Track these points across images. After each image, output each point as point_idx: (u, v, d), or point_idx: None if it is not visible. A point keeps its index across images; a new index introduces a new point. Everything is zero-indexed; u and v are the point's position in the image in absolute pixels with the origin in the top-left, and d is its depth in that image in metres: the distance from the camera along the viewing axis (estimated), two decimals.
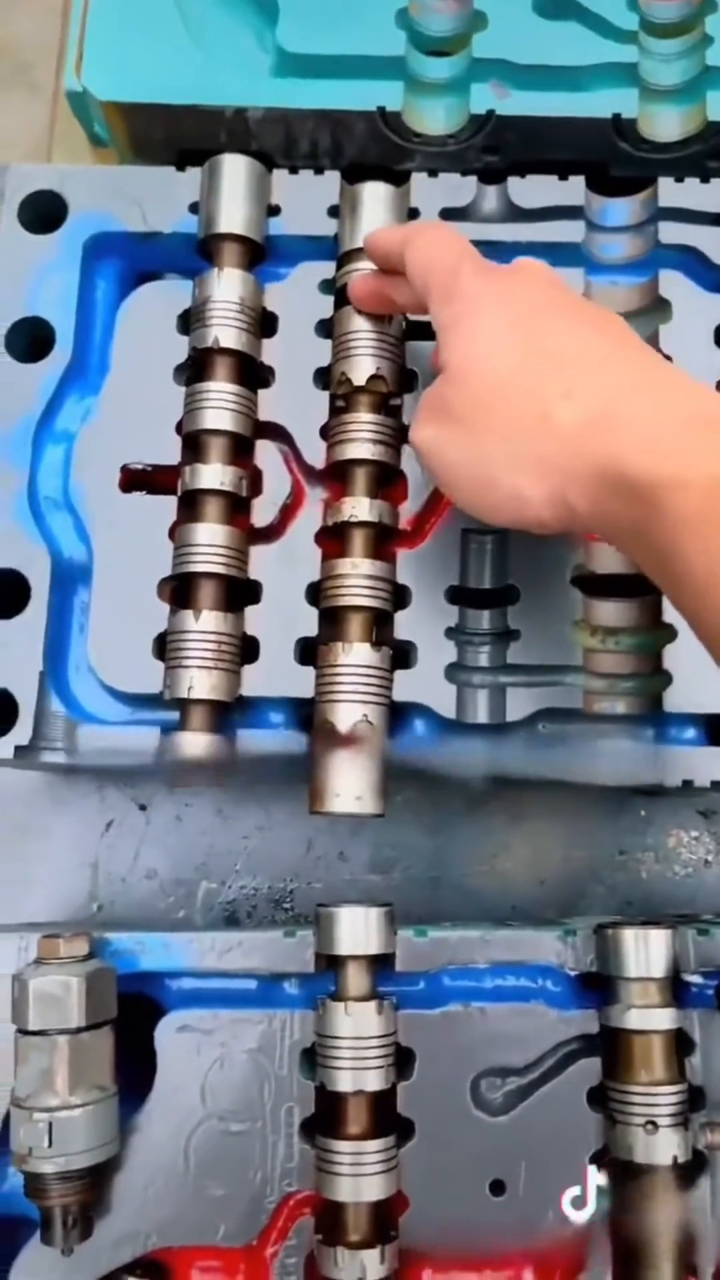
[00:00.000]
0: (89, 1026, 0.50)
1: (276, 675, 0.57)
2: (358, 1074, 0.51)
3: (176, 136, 0.66)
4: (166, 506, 0.59)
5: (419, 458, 0.50)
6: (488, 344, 0.47)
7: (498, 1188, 0.52)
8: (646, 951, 0.52)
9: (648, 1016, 0.51)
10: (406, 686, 0.57)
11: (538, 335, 0.46)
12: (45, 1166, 0.48)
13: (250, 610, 0.58)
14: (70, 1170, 0.49)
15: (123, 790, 0.69)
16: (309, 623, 0.57)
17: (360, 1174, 0.50)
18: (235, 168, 0.61)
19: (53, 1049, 0.49)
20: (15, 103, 1.79)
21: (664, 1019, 0.51)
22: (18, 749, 0.56)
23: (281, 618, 0.57)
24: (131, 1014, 0.53)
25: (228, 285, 0.59)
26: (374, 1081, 0.51)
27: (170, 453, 0.59)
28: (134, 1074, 0.53)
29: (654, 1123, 0.50)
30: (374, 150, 0.66)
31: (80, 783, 0.69)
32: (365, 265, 0.58)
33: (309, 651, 0.57)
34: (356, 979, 0.52)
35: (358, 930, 0.52)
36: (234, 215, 0.60)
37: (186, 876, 0.68)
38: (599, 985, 0.53)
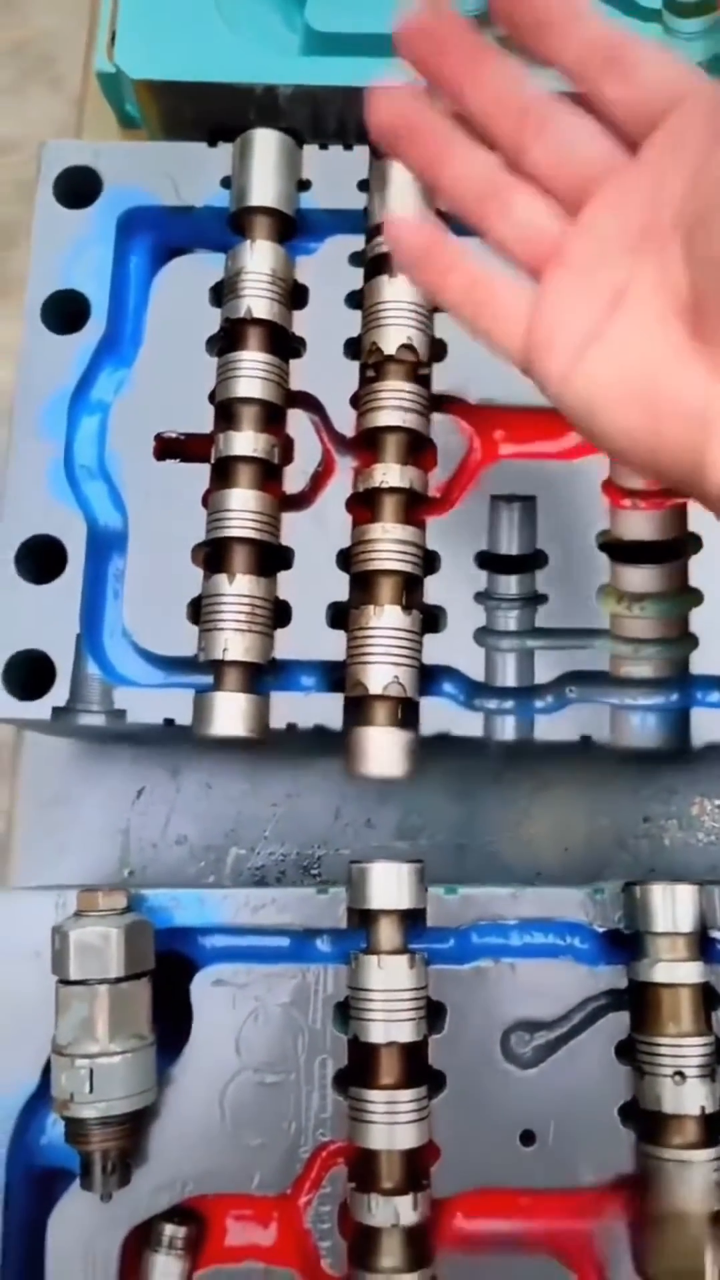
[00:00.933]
0: (128, 977, 0.51)
1: (308, 639, 0.58)
2: (390, 1025, 0.52)
3: (207, 115, 0.67)
4: (200, 474, 0.60)
5: None
6: None
7: (528, 1138, 0.53)
8: (674, 907, 0.53)
9: (676, 970, 0.52)
10: (436, 650, 0.57)
11: None
12: (86, 1111, 0.49)
13: (282, 575, 0.59)
14: (110, 1115, 0.50)
15: (154, 758, 0.70)
16: (340, 588, 0.58)
17: (393, 1122, 0.51)
18: (267, 142, 0.62)
19: (93, 998, 0.50)
20: (37, 96, 1.80)
21: (692, 972, 0.52)
22: (55, 710, 0.57)
23: (313, 582, 0.58)
24: (166, 973, 0.54)
25: (260, 257, 0.60)
26: (406, 1033, 0.52)
27: (203, 422, 0.60)
28: (169, 1031, 0.54)
29: (682, 1073, 0.51)
30: None
31: (111, 751, 0.70)
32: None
33: (340, 616, 0.58)
34: (388, 933, 0.53)
35: (390, 885, 0.53)
36: (266, 189, 0.61)
37: (216, 843, 0.69)
38: (626, 942, 0.54)
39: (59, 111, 1.66)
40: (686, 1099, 0.51)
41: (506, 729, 0.58)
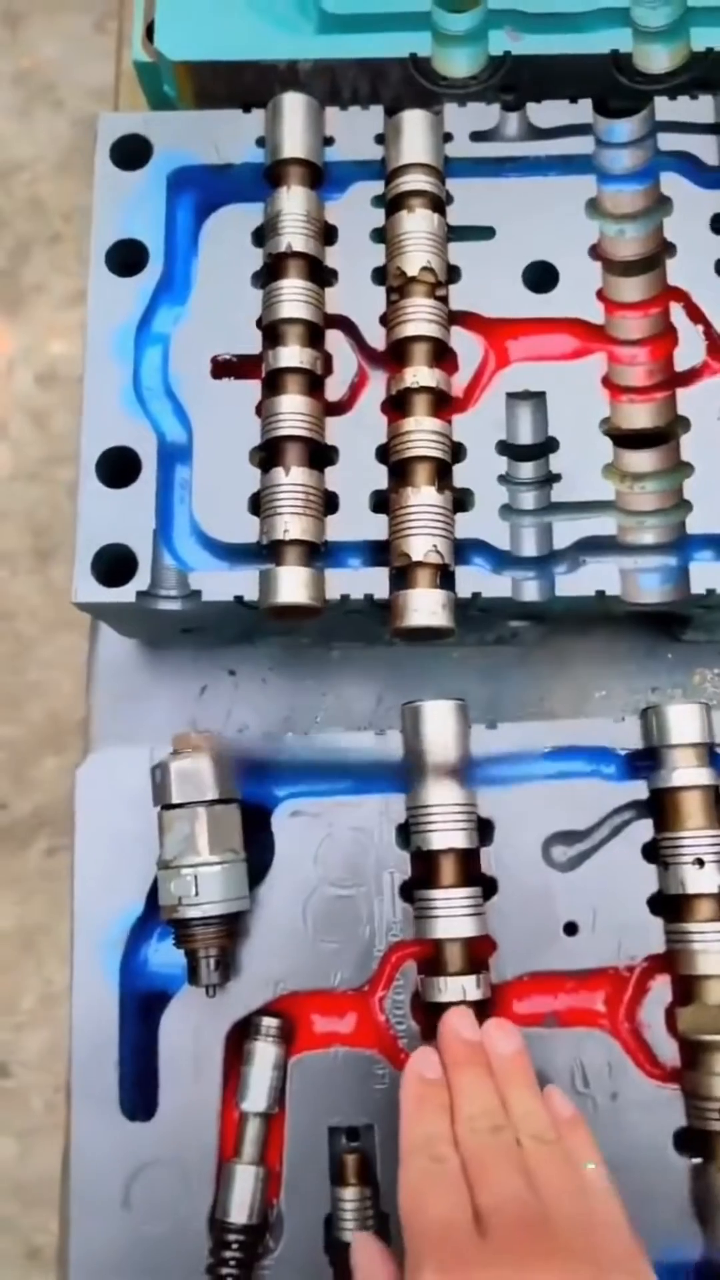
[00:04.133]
0: (221, 800, 0.59)
1: (354, 523, 0.67)
2: (446, 834, 0.60)
3: (237, 89, 0.76)
4: (252, 390, 0.69)
5: None
6: None
7: (571, 929, 0.61)
8: (685, 722, 0.61)
9: (691, 774, 0.61)
10: (466, 526, 0.66)
11: None
12: (192, 912, 0.58)
13: (329, 470, 0.67)
14: (212, 916, 0.58)
15: (213, 659, 0.78)
16: (380, 478, 0.67)
17: (453, 915, 0.59)
18: (295, 104, 0.72)
19: (193, 817, 0.59)
20: (42, 119, 1.91)
21: (704, 776, 0.61)
22: (139, 594, 0.66)
23: (356, 475, 0.67)
24: (249, 820, 0.62)
25: (295, 200, 0.70)
26: (461, 840, 0.60)
27: (252, 345, 0.69)
28: (255, 869, 0.62)
29: (701, 860, 0.59)
30: (407, 94, 0.77)
31: (175, 655, 0.78)
32: (410, 180, 0.69)
33: (381, 503, 0.67)
34: (440, 757, 0.62)
35: (439, 717, 0.62)
36: (296, 143, 0.71)
37: (274, 729, 0.77)
38: (645, 759, 0.63)
39: (63, 132, 1.76)
40: (705, 880, 0.59)
41: (530, 591, 0.66)
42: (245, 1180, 0.58)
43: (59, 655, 1.65)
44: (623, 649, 0.78)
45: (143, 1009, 0.62)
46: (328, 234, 0.71)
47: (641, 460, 0.69)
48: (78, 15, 1.82)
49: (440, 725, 0.62)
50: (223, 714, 0.78)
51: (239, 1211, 0.57)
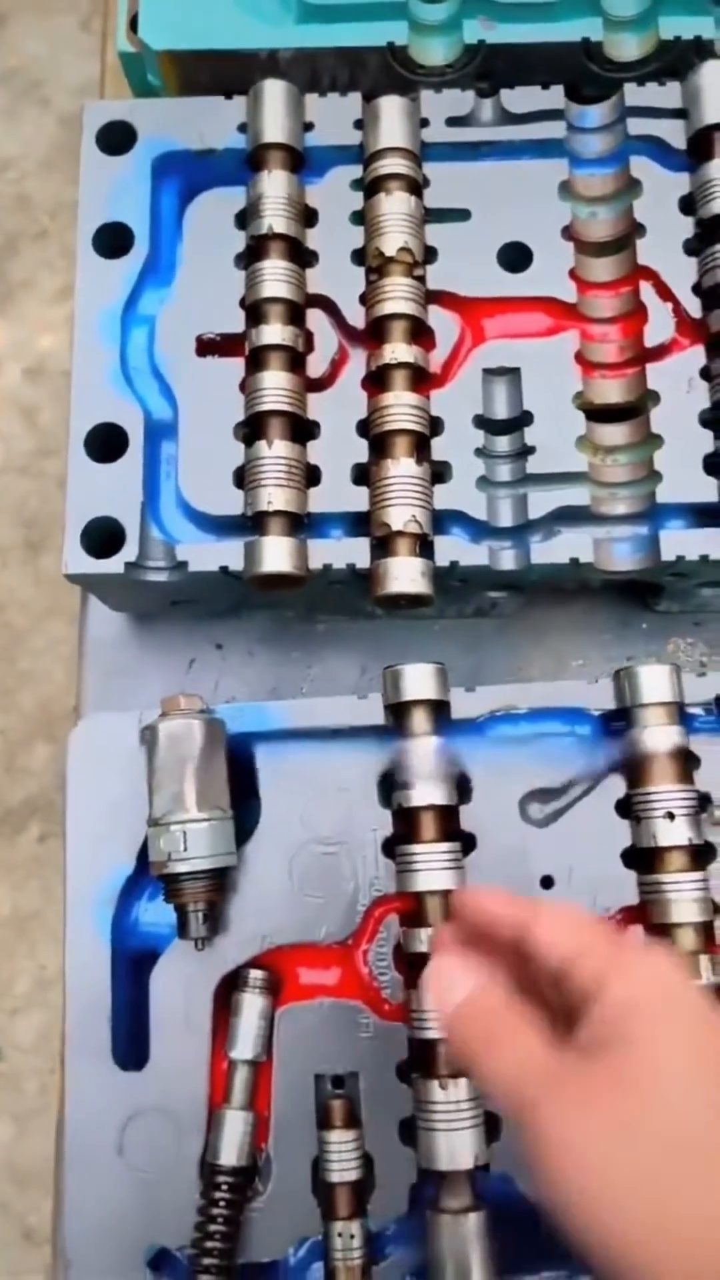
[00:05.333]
0: (208, 760, 0.61)
1: (335, 494, 0.69)
2: (425, 790, 0.62)
3: (219, 78, 0.79)
4: (236, 367, 0.71)
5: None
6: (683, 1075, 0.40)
7: (547, 883, 0.63)
8: (656, 683, 0.64)
9: (661, 732, 0.63)
10: (445, 497, 0.68)
11: None
12: (180, 867, 0.60)
13: (311, 444, 0.70)
14: (200, 870, 0.60)
15: (201, 633, 0.80)
16: (360, 452, 0.69)
17: (433, 869, 0.61)
18: (275, 90, 0.74)
19: (182, 776, 0.61)
20: (29, 116, 1.93)
21: (674, 734, 0.63)
22: (127, 565, 0.68)
23: (337, 448, 0.69)
24: (236, 777, 0.64)
25: (277, 183, 0.72)
26: (440, 797, 0.62)
27: (235, 324, 0.71)
28: (243, 828, 0.64)
29: (671, 814, 0.62)
30: (385, 82, 0.79)
31: (164, 628, 0.80)
32: (388, 164, 0.71)
33: (361, 476, 0.69)
34: (420, 719, 0.64)
35: (419, 679, 0.64)
36: (277, 128, 0.73)
37: (261, 699, 0.79)
38: (619, 719, 0.65)
39: (49, 129, 1.78)
40: (676, 833, 0.61)
41: (507, 560, 0.69)
42: (235, 1124, 0.60)
43: (50, 645, 1.66)
44: (599, 619, 0.80)
45: (134, 965, 0.64)
46: (308, 216, 0.74)
47: (613, 433, 0.71)
48: (63, 15, 1.84)
49: (421, 684, 0.64)
50: (211, 686, 0.80)
51: (229, 1154, 0.59)
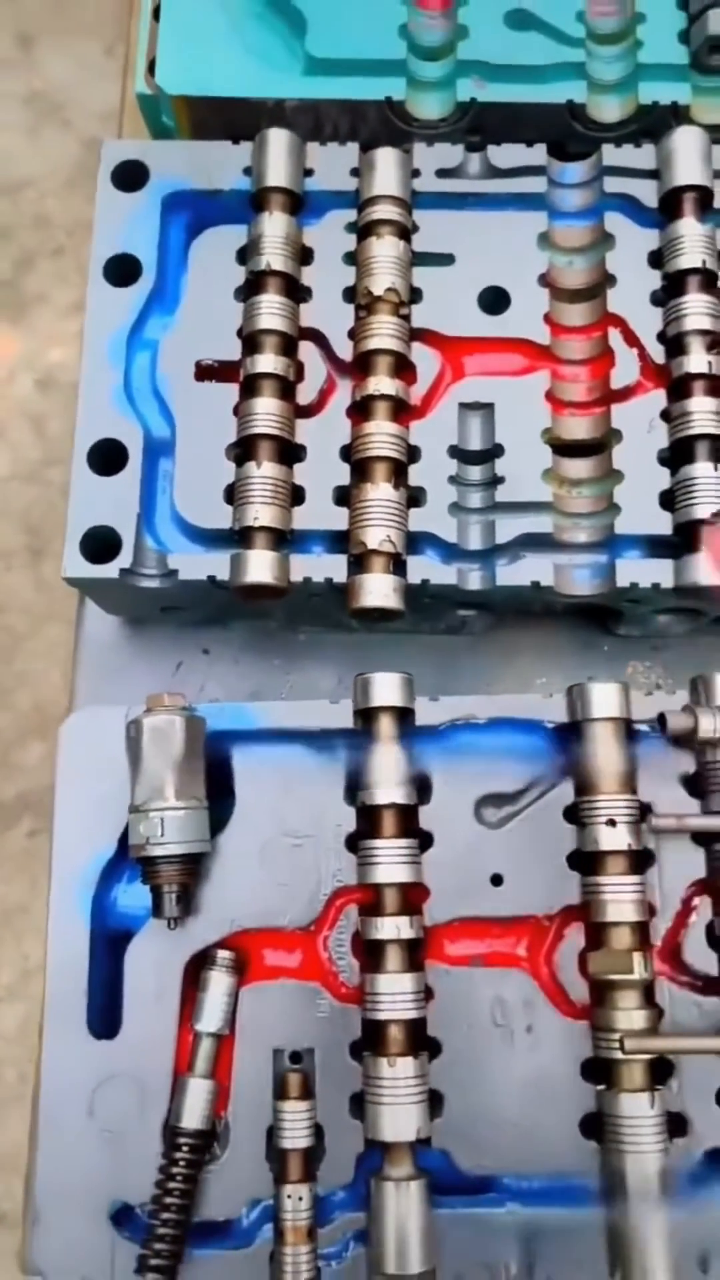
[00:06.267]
0: (187, 754, 0.66)
1: (318, 514, 0.74)
2: (388, 790, 0.67)
3: (228, 123, 0.84)
4: (231, 392, 0.76)
5: None
6: None
7: (497, 880, 0.68)
8: (605, 699, 0.69)
9: (606, 746, 0.68)
10: (419, 520, 0.74)
11: None
12: (157, 850, 0.65)
13: (297, 466, 0.75)
14: (175, 854, 0.65)
15: (189, 638, 0.85)
16: (342, 475, 0.75)
17: (392, 862, 0.66)
18: (279, 138, 0.80)
19: (163, 767, 0.66)
20: (52, 138, 2.00)
21: (619, 747, 0.68)
22: (122, 571, 0.73)
23: (321, 471, 0.75)
24: (214, 777, 0.69)
25: (276, 224, 0.77)
26: (401, 796, 0.67)
27: (233, 352, 0.77)
28: (218, 821, 0.69)
29: (613, 820, 0.67)
30: (383, 133, 0.85)
31: (154, 633, 0.85)
32: (381, 209, 0.77)
33: (343, 497, 0.74)
34: (386, 724, 0.69)
35: (387, 687, 0.69)
36: (279, 172, 0.79)
37: (242, 701, 0.84)
38: (570, 732, 0.70)
39: (71, 150, 1.85)
40: (616, 839, 0.66)
41: (474, 580, 0.74)
42: (197, 1092, 0.65)
43: (48, 648, 1.72)
44: (562, 641, 0.86)
45: (111, 943, 0.69)
46: (304, 255, 0.79)
47: (578, 467, 0.77)
48: (88, 40, 1.91)
49: (389, 692, 0.69)
50: (196, 688, 0.85)
51: (190, 1118, 0.64)
